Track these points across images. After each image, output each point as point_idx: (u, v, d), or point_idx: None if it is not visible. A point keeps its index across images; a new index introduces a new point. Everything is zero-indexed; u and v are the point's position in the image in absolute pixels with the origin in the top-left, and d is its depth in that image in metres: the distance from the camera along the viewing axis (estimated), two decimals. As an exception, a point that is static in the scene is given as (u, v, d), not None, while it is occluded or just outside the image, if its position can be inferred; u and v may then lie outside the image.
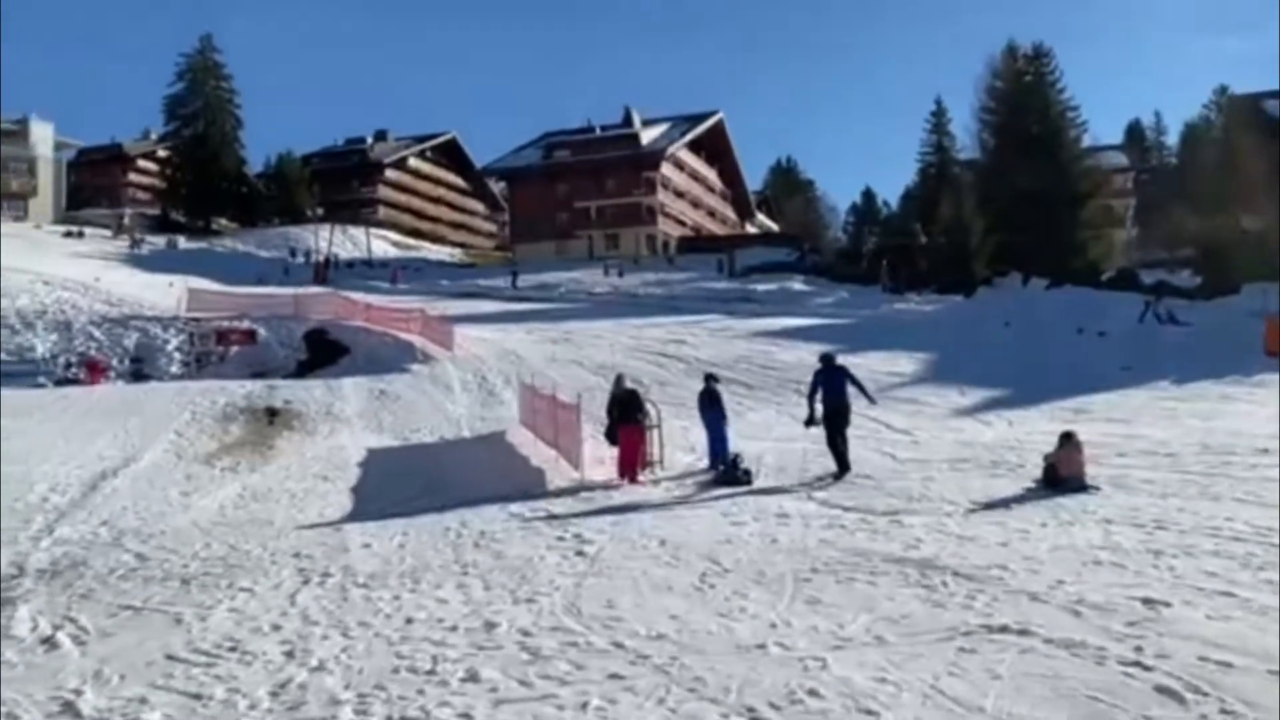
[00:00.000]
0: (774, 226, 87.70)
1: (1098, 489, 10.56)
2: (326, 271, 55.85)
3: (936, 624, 5.78)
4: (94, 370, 27.22)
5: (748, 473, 12.86)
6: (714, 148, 79.92)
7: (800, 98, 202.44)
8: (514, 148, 78.55)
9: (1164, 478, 11.22)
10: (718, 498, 11.70)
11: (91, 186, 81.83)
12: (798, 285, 52.36)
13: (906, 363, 27.32)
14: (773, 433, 18.51)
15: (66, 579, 8.42)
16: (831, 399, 12.74)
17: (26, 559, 9.32)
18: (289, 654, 5.74)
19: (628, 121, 74.13)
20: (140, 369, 28.49)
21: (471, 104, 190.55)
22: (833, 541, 8.58)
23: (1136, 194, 71.86)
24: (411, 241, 79.59)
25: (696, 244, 69.00)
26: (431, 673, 5.31)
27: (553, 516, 10.67)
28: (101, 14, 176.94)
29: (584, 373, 25.22)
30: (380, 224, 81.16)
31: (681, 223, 74.62)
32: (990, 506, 10.11)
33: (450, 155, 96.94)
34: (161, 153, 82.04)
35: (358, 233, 70.34)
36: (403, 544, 9.51)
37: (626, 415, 13.62)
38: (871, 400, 13.71)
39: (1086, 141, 58.64)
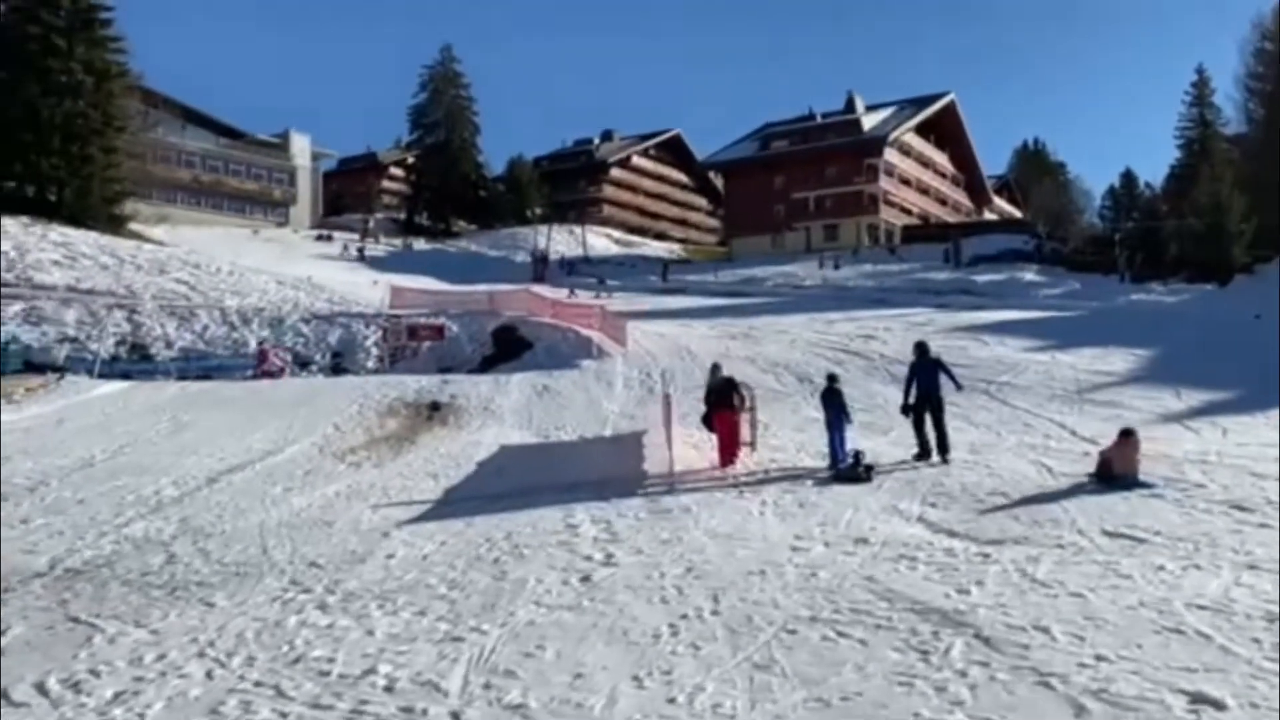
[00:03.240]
0: (1016, 213, 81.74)
1: (1153, 485, 10.28)
2: (545, 269, 57.15)
3: (874, 714, 4.36)
4: (263, 362, 28.51)
5: (869, 469, 12.13)
6: (945, 131, 75.39)
7: (1051, 73, 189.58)
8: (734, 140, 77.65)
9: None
10: (814, 511, 10.27)
11: (351, 194, 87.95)
12: (1029, 275, 48.40)
13: (1121, 360, 24.13)
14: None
15: (73, 581, 8.34)
16: (922, 388, 13.07)
17: (69, 556, 9.37)
18: (118, 695, 5.13)
19: (850, 108, 71.31)
20: (340, 363, 29.84)
21: (701, 100, 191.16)
22: (879, 580, 7.13)
23: None
24: (635, 239, 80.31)
25: (924, 233, 65.29)
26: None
27: (609, 527, 9.74)
28: (356, 26, 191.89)
29: (753, 370, 23.85)
30: (606, 222, 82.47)
31: (907, 211, 70.88)
32: (1127, 538, 8.25)
33: (674, 152, 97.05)
34: (410, 160, 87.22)
35: (583, 231, 71.77)
36: (428, 555, 8.91)
37: (721, 401, 13.64)
38: (959, 386, 13.83)
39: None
